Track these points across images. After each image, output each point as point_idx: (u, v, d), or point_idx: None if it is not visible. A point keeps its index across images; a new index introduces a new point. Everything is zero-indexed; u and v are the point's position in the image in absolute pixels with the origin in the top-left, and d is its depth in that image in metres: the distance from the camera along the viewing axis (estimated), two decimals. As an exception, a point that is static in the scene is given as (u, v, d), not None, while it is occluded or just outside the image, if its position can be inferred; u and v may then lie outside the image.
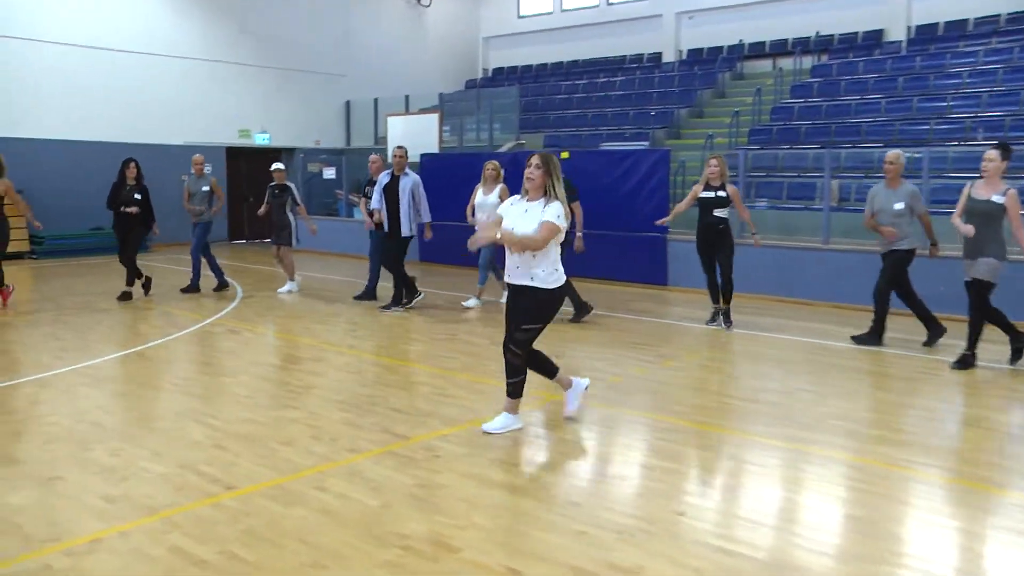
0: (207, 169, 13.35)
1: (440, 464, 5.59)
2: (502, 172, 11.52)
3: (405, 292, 11.57)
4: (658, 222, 11.21)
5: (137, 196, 12.12)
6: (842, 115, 17.20)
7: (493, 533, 4.53)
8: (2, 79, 18.14)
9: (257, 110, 22.61)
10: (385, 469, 5.51)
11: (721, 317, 10.44)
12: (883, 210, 9.16)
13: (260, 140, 22.76)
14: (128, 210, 12.00)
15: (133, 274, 12.36)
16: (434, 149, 19.09)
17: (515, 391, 6.20)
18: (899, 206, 9.03)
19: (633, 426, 6.64)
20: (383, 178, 11.59)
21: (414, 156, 18.76)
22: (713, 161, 10.17)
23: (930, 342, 9.22)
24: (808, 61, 20.58)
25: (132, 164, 12.23)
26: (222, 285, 13.33)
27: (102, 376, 8.10)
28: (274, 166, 13.53)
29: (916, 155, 14.02)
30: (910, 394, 7.58)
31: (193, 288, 13.05)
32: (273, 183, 13.33)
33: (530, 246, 5.91)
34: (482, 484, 5.25)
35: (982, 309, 8.10)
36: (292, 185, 13.44)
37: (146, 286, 12.54)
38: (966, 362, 8.19)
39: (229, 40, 21.91)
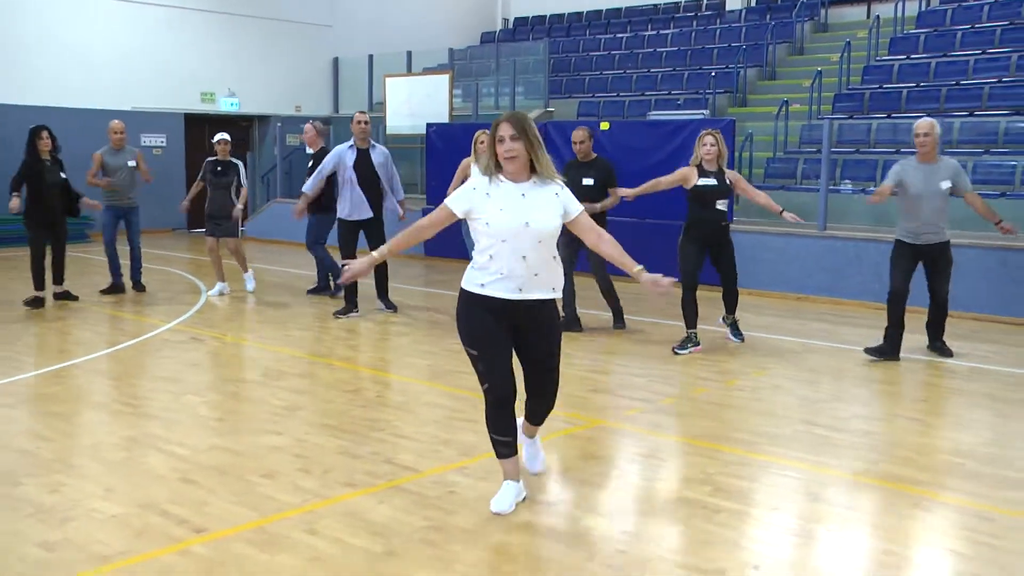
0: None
1: (457, 502, 5.64)
2: None
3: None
4: (624, 193, 10.42)
5: (62, 175, 11.87)
6: (956, 75, 17.09)
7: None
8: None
9: (224, 69, 22.79)
10: (390, 509, 5.56)
11: (730, 329, 10.41)
12: (925, 194, 9.16)
13: (227, 105, 22.96)
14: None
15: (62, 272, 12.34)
16: (443, 119, 19.20)
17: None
18: (946, 185, 9.12)
19: (691, 458, 6.68)
20: (347, 153, 11.45)
21: (419, 127, 18.95)
22: (709, 139, 9.63)
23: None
24: (913, 7, 20.47)
25: (44, 133, 11.70)
26: (115, 288, 13.19)
27: (33, 394, 8.22)
28: (217, 137, 13.20)
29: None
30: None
31: (121, 287, 13.25)
32: (214, 158, 13.02)
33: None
34: (510, 528, 5.30)
35: None
36: (239, 163, 13.26)
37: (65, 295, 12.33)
38: None
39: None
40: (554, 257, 5.28)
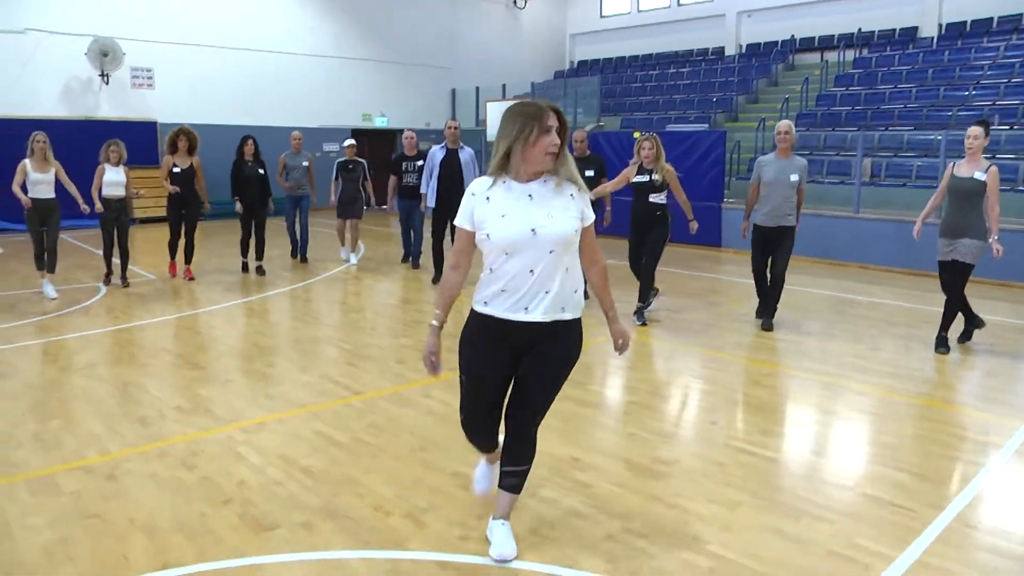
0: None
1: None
2: None
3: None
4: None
5: (260, 171, 10.84)
6: (878, 102, 16.89)
7: (562, 432, 4.99)
8: (185, 78, 19.09)
9: (377, 98, 23.13)
10: (478, 383, 6.00)
11: (634, 314, 8.17)
12: (777, 181, 7.67)
13: (380, 123, 23.34)
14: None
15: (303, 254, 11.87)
16: (526, 130, 19.41)
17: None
18: (795, 178, 7.65)
19: (684, 357, 6.96)
20: (437, 152, 10.13)
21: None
22: (647, 144, 7.81)
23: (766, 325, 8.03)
24: (851, 54, 20.13)
25: (250, 141, 10.92)
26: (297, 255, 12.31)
27: (257, 310, 8.78)
28: (346, 142, 12.20)
29: (937, 136, 13.93)
30: (907, 339, 7.64)
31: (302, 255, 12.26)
32: (344, 159, 11.96)
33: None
34: (558, 396, 5.70)
35: (959, 291, 7.03)
36: (363, 161, 12.03)
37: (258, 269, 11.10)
38: (944, 343, 7.11)
39: (355, 39, 22.46)
40: (567, 270, 3.20)
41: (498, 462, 3.61)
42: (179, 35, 18.98)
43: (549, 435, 4.90)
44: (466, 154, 10.11)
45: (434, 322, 3.38)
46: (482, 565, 3.41)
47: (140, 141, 17.13)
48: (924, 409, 5.60)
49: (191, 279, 10.40)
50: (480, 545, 3.56)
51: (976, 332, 7.47)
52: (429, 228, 10.58)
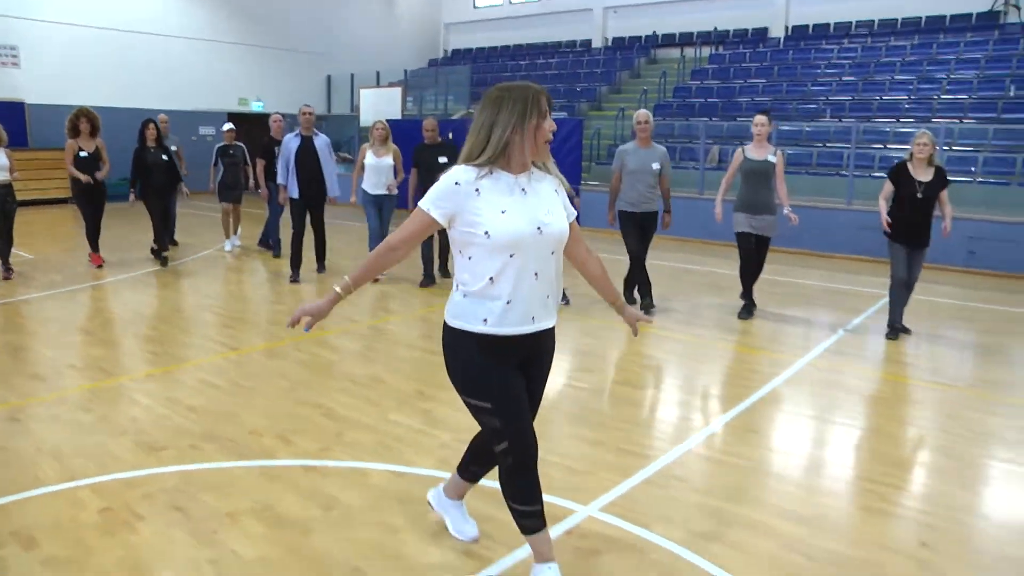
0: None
1: (384, 338, 6.93)
2: (390, 132, 9.72)
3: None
4: None
5: (164, 157, 10.34)
6: (729, 95, 18.42)
7: (410, 374, 5.89)
8: (54, 57, 18.99)
9: (253, 82, 23.39)
10: (344, 340, 6.82)
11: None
12: (640, 170, 7.91)
13: (256, 107, 23.60)
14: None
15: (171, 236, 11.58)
16: (397, 116, 20.17)
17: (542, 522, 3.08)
18: (656, 166, 7.91)
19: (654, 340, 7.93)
20: (292, 140, 9.46)
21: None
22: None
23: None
24: (707, 51, 21.78)
25: (151, 125, 10.32)
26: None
27: (138, 284, 9.24)
28: (225, 126, 12.08)
29: (781, 126, 15.42)
30: (728, 299, 8.84)
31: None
32: (223, 143, 11.85)
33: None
34: (410, 348, 6.60)
35: (761, 263, 8.06)
36: (243, 145, 11.92)
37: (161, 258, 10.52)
38: (751, 311, 8.13)
39: (230, 23, 22.65)
40: (559, 271, 2.98)
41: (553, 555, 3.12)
42: (45, 12, 18.87)
43: (398, 376, 5.80)
44: (321, 141, 9.54)
45: (338, 289, 2.92)
46: (337, 468, 4.27)
47: (7, 122, 16.95)
48: (729, 352, 6.77)
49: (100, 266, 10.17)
50: (338, 453, 4.42)
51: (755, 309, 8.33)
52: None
